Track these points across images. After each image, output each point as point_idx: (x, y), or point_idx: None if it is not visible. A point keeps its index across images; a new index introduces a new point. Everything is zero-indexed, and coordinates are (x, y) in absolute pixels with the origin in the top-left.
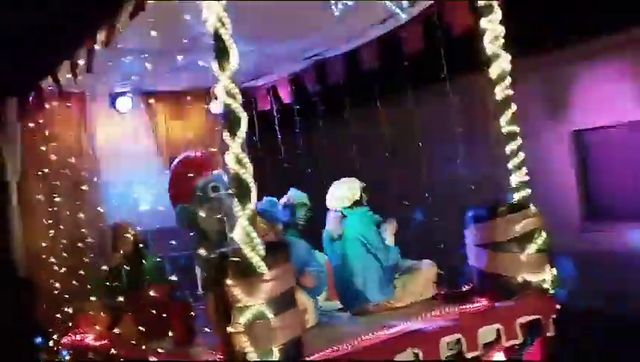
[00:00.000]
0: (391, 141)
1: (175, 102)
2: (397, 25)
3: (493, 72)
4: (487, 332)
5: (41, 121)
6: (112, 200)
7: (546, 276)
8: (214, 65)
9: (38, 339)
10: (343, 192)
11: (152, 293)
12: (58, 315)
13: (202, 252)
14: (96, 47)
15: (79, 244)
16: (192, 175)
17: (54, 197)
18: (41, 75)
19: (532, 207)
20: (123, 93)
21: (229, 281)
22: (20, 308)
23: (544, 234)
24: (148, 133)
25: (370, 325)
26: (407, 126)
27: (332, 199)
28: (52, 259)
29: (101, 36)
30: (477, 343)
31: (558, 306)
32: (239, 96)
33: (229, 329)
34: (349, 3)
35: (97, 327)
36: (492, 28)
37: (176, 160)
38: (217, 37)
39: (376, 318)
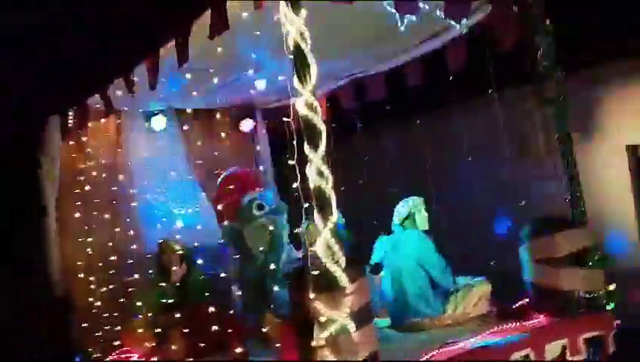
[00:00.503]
0: (431, 156)
1: (207, 121)
2: (443, 41)
3: (547, 88)
4: (553, 348)
5: (83, 139)
6: (148, 219)
7: (604, 292)
8: (294, 79)
9: (77, 359)
10: (397, 209)
11: (210, 310)
12: (99, 333)
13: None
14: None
15: (115, 262)
16: (237, 192)
17: (91, 215)
18: (89, 92)
19: (588, 223)
20: (158, 112)
21: (312, 295)
22: (58, 328)
23: (601, 250)
24: (181, 151)
25: (430, 341)
26: (451, 141)
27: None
28: (91, 278)
29: (165, 53)
30: (544, 358)
31: (617, 322)
32: (319, 110)
33: (313, 343)
34: (414, 18)
35: (144, 344)
36: (545, 45)
37: (223, 176)
38: (298, 51)
39: (433, 334)
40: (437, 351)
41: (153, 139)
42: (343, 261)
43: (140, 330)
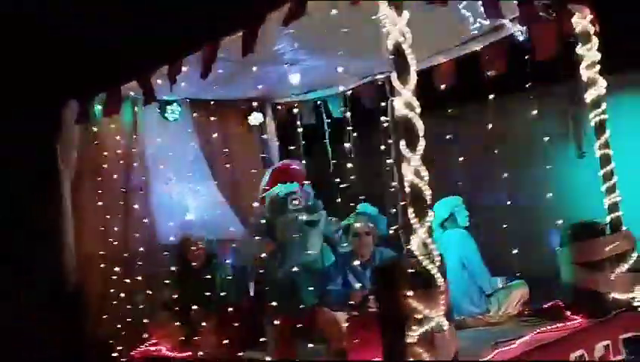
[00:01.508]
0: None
1: (217, 112)
2: (479, 45)
3: (589, 97)
4: (600, 348)
5: (100, 127)
6: (162, 208)
7: (636, 294)
8: (393, 79)
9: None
10: (435, 210)
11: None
12: (119, 326)
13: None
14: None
15: (131, 251)
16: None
17: (106, 203)
18: (125, 78)
19: (624, 228)
20: (172, 101)
21: (409, 292)
22: (71, 321)
23: (635, 254)
24: (194, 141)
25: (480, 339)
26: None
27: None
28: (108, 267)
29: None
30: (594, 358)
31: None
32: (418, 110)
33: (407, 339)
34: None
35: (173, 338)
36: (589, 55)
37: (275, 166)
38: (399, 51)
39: (480, 332)
40: (498, 349)
41: (167, 129)
42: (438, 260)
43: (169, 323)
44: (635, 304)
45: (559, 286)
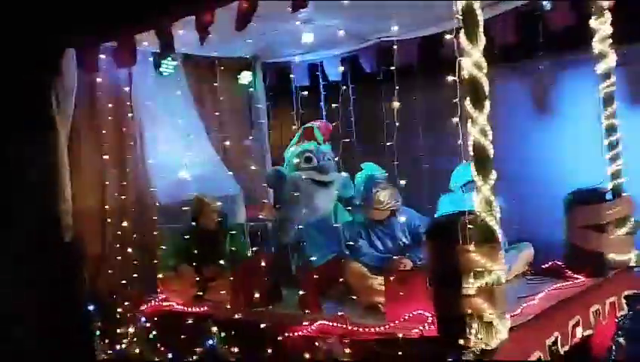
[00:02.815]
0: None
1: (209, 69)
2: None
3: (600, 68)
4: (609, 303)
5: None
6: (158, 165)
7: (632, 255)
8: (462, 39)
9: (90, 307)
10: (459, 172)
11: (261, 262)
12: (124, 281)
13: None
14: None
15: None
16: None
17: (103, 157)
18: (140, 26)
19: (625, 194)
20: (166, 56)
21: (471, 247)
22: (68, 275)
23: (633, 219)
24: (188, 97)
25: None
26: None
27: None
28: (106, 222)
29: None
30: (606, 312)
31: None
32: (485, 69)
33: (465, 291)
34: None
35: (185, 294)
36: (601, 28)
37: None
38: (469, 13)
39: None
40: (523, 303)
41: (161, 83)
42: (499, 216)
43: (180, 280)
44: (632, 264)
45: (561, 248)
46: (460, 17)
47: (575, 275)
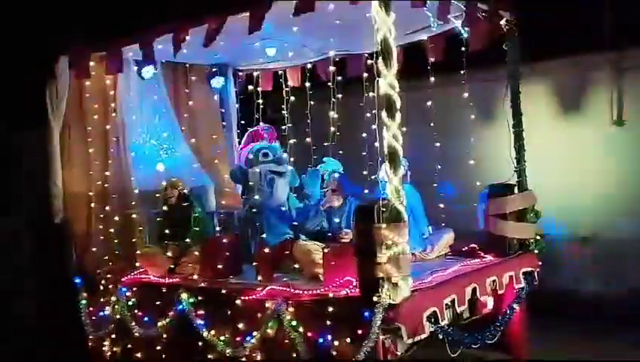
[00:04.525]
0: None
1: (184, 74)
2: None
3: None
4: (507, 277)
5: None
6: (138, 158)
7: (532, 240)
8: (380, 64)
9: (77, 280)
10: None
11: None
12: (106, 257)
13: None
14: None
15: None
16: (252, 142)
17: (90, 151)
18: (126, 40)
19: (530, 188)
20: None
21: (382, 225)
22: (57, 250)
23: (536, 209)
24: (165, 100)
25: (419, 268)
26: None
27: None
28: (94, 207)
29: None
30: (503, 284)
31: (540, 262)
32: (397, 88)
33: (379, 259)
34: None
35: (161, 267)
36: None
37: (251, 130)
38: (385, 43)
39: (416, 265)
40: (438, 273)
41: (142, 86)
42: (405, 201)
43: (156, 255)
44: (531, 247)
45: (476, 233)
46: (378, 47)
47: (484, 255)
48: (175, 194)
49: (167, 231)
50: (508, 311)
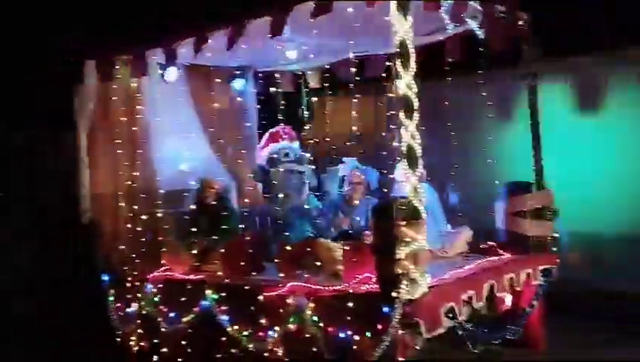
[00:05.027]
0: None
1: (207, 77)
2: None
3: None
4: (525, 273)
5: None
6: (163, 159)
7: (549, 238)
8: (398, 66)
9: (105, 277)
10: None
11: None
12: (134, 256)
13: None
14: None
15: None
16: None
17: (117, 152)
18: (150, 43)
19: (547, 188)
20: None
21: (401, 222)
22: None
23: (553, 208)
24: (189, 101)
25: (437, 266)
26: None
27: None
28: (122, 206)
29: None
30: (520, 281)
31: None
32: (415, 89)
33: (398, 256)
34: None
35: (185, 265)
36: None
37: (271, 130)
38: (403, 45)
39: (434, 262)
40: (455, 270)
41: (166, 88)
42: (424, 199)
43: (180, 253)
44: (549, 245)
45: (495, 231)
46: (397, 49)
47: (502, 252)
48: (212, 193)
49: (197, 230)
50: (527, 308)
